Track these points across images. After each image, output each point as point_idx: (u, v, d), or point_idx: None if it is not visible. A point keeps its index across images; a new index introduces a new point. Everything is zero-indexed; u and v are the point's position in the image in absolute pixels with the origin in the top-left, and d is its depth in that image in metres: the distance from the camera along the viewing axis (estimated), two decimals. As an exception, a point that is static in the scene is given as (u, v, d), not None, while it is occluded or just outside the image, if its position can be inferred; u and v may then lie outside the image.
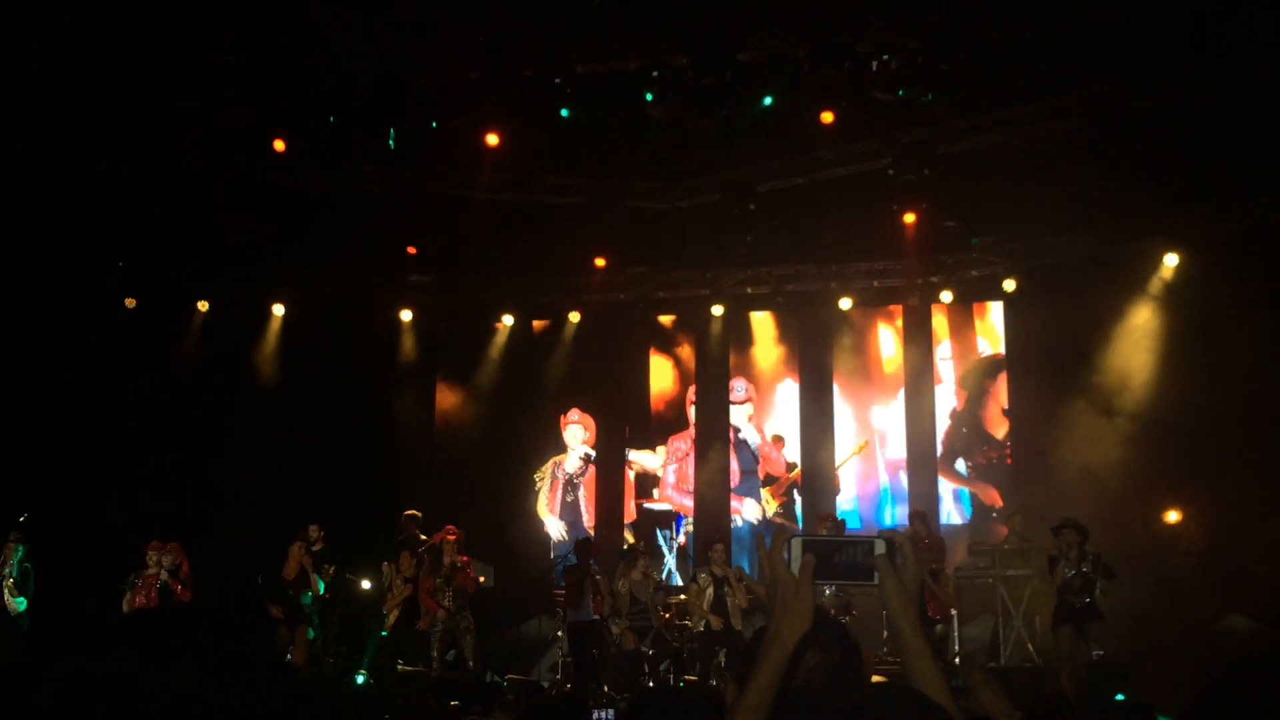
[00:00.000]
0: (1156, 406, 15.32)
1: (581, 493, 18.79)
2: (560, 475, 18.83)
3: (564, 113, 14.28)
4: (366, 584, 14.83)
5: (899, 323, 18.18)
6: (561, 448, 18.91)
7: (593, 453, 18.74)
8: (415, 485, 17.64)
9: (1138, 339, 15.82)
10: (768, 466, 18.34)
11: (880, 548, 2.39)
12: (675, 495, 18.51)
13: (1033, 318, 16.69)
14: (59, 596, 13.69)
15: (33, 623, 13.39)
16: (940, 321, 18.10)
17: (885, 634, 13.02)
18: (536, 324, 18.95)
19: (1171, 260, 15.73)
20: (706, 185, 16.48)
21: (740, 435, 18.50)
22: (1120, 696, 11.46)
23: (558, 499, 18.76)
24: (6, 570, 13.45)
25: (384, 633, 14.46)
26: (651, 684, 13.11)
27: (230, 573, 14.17)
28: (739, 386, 18.64)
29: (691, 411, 18.78)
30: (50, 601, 13.68)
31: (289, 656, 13.26)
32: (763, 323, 18.86)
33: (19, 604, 13.39)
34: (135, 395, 16.65)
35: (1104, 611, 12.39)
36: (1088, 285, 16.20)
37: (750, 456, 18.43)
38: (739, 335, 18.73)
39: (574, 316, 18.54)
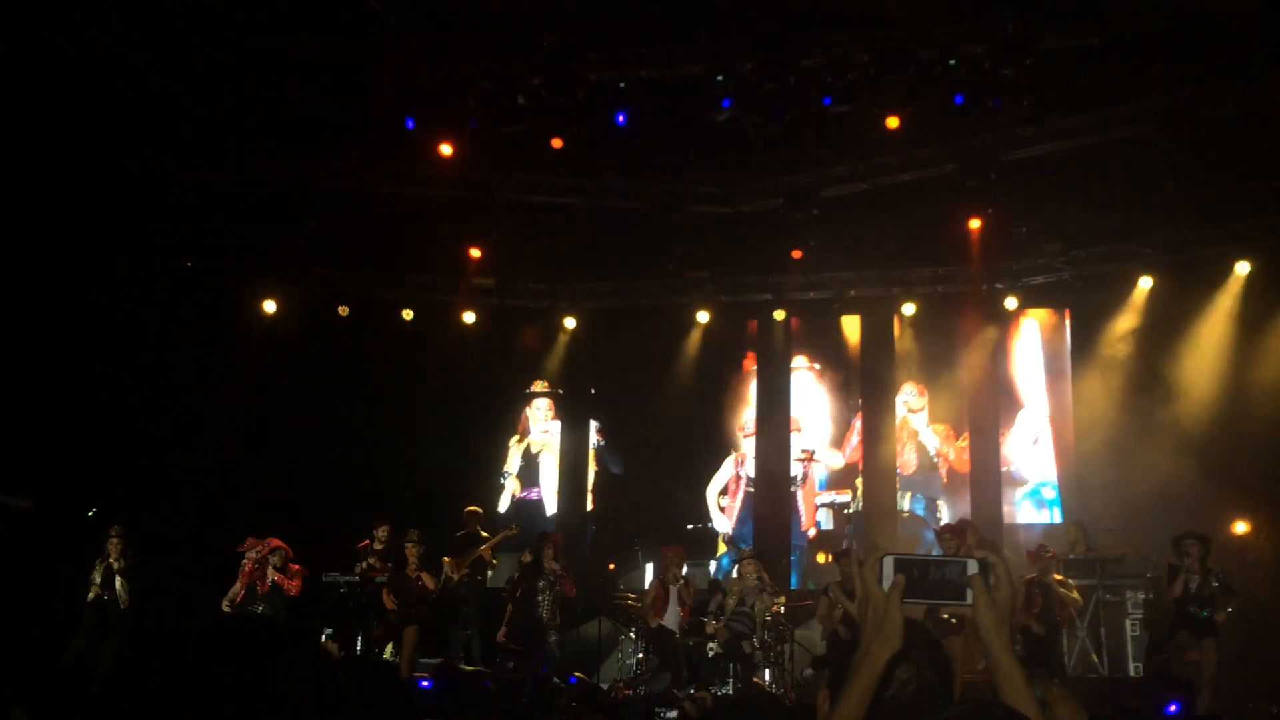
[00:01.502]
0: (1224, 415, 15.11)
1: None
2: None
3: (619, 119, 14.32)
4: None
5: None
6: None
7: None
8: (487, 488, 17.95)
9: (1207, 348, 15.61)
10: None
11: (973, 567, 2.38)
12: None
13: (1099, 325, 16.53)
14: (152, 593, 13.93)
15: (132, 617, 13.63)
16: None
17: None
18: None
19: (1243, 269, 15.50)
20: (769, 190, 16.46)
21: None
22: (1173, 709, 11.33)
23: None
24: (114, 563, 13.67)
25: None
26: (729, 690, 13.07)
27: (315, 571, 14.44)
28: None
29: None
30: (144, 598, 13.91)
31: (390, 653, 13.42)
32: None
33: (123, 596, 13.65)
34: (203, 391, 16.91)
35: (1221, 628, 12.20)
36: (1155, 293, 16.02)
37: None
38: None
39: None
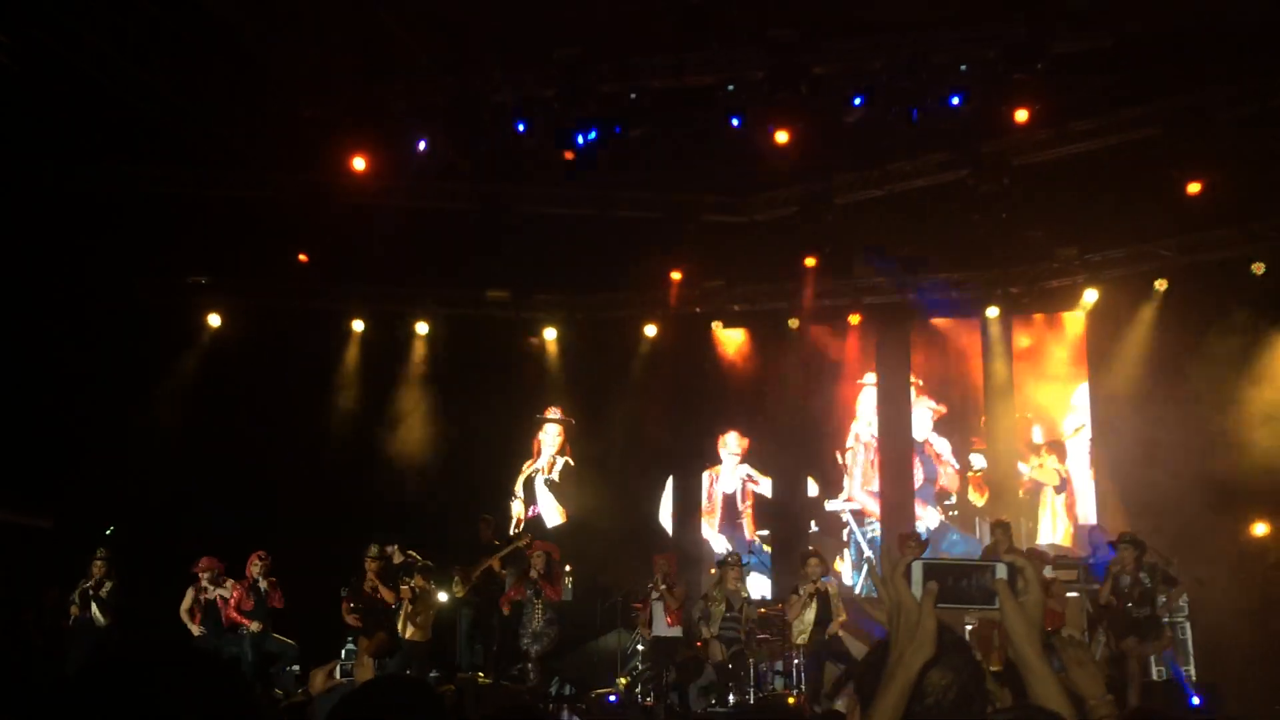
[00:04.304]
0: (1243, 417, 15.04)
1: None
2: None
3: (617, 129, 14.34)
4: (443, 596, 14.89)
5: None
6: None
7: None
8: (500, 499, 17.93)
9: (1225, 348, 15.52)
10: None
11: (1002, 572, 2.38)
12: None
13: (1116, 329, 16.47)
14: (146, 610, 13.92)
15: (119, 638, 13.64)
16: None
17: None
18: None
19: (1260, 269, 15.41)
20: (783, 198, 16.46)
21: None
22: (1195, 701, 11.34)
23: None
24: (91, 586, 13.71)
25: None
26: (743, 698, 13.06)
27: (311, 584, 14.38)
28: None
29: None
30: (139, 615, 13.91)
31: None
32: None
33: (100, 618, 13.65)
34: (221, 406, 16.95)
35: (1168, 620, 12.13)
36: (1172, 295, 15.96)
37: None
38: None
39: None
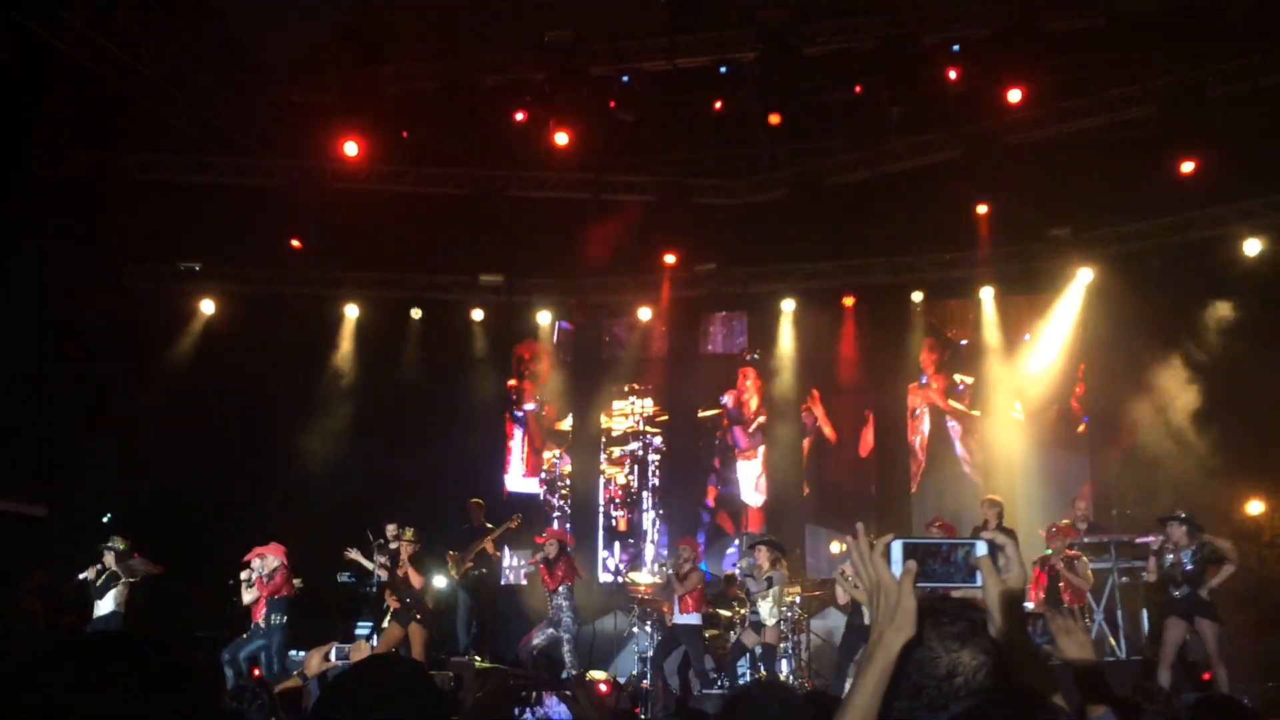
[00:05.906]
0: (1237, 396, 15.02)
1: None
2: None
3: (611, 104, 14.31)
4: (440, 580, 14.81)
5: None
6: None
7: None
8: (491, 482, 17.92)
9: (1217, 327, 15.52)
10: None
11: (982, 549, 2.36)
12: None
13: (1109, 307, 16.43)
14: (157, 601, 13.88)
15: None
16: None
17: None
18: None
19: (1254, 247, 15.37)
20: (775, 180, 16.42)
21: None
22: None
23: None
24: (115, 570, 13.48)
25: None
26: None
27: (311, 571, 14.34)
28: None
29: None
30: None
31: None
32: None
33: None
34: (214, 393, 16.91)
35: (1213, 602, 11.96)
36: (1166, 274, 15.93)
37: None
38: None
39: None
